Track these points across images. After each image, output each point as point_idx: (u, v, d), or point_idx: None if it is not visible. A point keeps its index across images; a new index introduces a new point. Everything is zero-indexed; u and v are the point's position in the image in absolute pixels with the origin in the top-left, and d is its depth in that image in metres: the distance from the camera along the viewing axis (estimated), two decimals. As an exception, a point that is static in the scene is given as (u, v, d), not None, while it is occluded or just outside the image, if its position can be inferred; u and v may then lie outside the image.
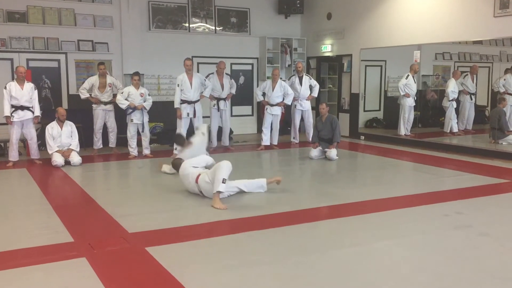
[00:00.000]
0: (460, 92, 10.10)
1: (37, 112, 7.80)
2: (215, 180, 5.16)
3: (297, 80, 9.93)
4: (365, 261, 3.73)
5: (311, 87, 10.02)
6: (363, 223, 4.71)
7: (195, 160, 5.83)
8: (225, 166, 5.21)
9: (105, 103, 8.76)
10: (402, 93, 10.05)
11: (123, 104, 8.32)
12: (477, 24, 8.36)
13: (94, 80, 8.75)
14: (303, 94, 9.91)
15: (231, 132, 10.04)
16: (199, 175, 5.50)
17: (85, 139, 8.79)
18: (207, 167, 5.72)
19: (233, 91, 9.54)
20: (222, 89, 9.28)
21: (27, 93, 7.66)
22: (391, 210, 5.13)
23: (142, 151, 8.61)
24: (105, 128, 8.91)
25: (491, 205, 5.37)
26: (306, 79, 9.98)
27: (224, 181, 5.11)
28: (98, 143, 8.87)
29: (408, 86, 10.04)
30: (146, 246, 3.95)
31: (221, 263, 3.66)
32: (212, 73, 9.30)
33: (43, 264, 3.63)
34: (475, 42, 9.33)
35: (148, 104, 8.51)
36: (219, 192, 5.16)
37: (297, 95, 9.84)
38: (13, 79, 9.00)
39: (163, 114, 9.94)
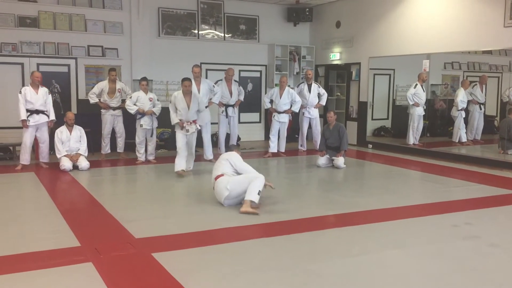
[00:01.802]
0: (469, 101, 10.06)
1: (52, 116, 7.90)
2: (250, 189, 5.22)
3: (306, 87, 9.94)
4: (373, 270, 3.70)
5: (319, 95, 10.03)
6: (370, 232, 4.68)
7: (233, 163, 5.66)
8: (261, 180, 5.32)
9: (114, 108, 8.82)
10: (410, 103, 10.01)
11: (132, 109, 8.35)
12: (486, 34, 8.34)
13: (103, 85, 8.81)
14: (312, 101, 9.92)
15: (238, 138, 10.04)
16: (222, 175, 5.49)
17: (93, 144, 8.82)
18: (235, 173, 5.63)
19: (242, 98, 9.56)
20: (231, 96, 9.30)
21: (42, 97, 7.77)
22: (399, 220, 5.10)
23: (147, 157, 8.62)
24: (113, 133, 8.96)
25: (500, 216, 5.34)
26: (315, 87, 9.99)
27: (259, 193, 5.24)
28: (106, 148, 8.92)
29: (416, 95, 9.99)
30: (153, 252, 3.95)
31: (228, 270, 3.64)
32: (221, 80, 9.33)
33: (49, 268, 3.64)
34: (484, 52, 9.31)
35: (157, 110, 8.56)
36: (251, 201, 5.20)
37: (306, 102, 9.85)
38: (23, 83, 9.15)
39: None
